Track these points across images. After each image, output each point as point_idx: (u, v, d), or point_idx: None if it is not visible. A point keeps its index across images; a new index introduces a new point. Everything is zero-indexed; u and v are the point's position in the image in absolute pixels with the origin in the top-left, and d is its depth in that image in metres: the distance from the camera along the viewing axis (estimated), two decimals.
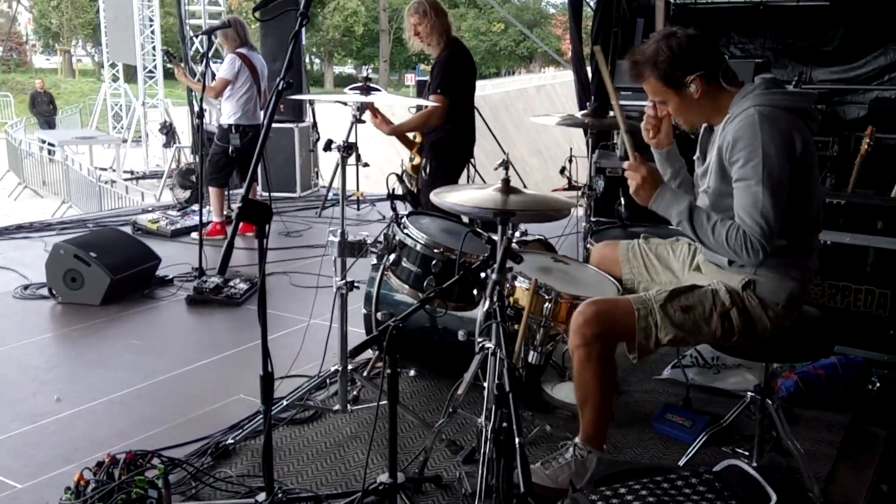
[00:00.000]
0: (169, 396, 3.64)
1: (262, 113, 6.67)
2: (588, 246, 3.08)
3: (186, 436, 2.96)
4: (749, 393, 2.55)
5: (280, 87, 2.03)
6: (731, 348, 2.41)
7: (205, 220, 7.02)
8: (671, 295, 2.37)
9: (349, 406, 2.84)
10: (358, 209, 7.97)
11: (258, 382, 3.07)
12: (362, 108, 2.82)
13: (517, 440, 1.70)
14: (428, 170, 4.67)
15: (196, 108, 6.19)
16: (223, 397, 3.43)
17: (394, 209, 2.77)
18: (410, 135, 4.74)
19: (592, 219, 3.17)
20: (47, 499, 2.63)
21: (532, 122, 14.21)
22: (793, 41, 8.03)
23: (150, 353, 4.21)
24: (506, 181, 2.15)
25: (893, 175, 4.23)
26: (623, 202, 3.25)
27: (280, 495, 2.23)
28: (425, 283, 2.60)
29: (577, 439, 2.47)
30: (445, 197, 2.25)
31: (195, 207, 7.66)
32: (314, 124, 8.99)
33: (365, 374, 3.17)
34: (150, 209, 7.95)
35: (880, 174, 4.63)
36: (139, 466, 2.19)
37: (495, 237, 2.21)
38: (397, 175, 4.29)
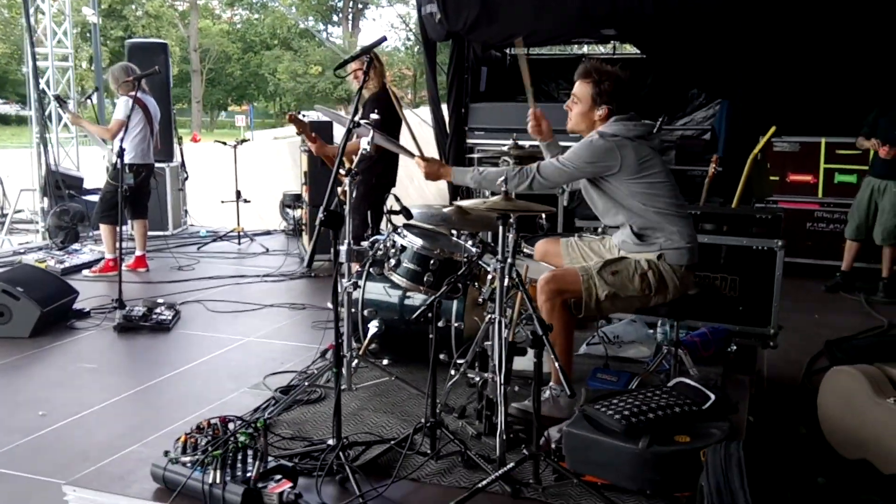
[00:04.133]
0: (160, 402, 4.03)
1: (153, 152, 7.01)
2: (525, 250, 3.90)
3: None
4: (664, 347, 3.49)
5: (350, 127, 2.70)
6: (653, 309, 3.35)
7: (97, 257, 7.24)
8: (604, 264, 3.33)
9: (353, 385, 3.46)
10: (238, 243, 8.36)
11: (249, 381, 3.66)
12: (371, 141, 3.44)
13: (556, 363, 2.47)
14: (354, 194, 5.33)
15: (116, 147, 6.49)
16: (224, 394, 3.91)
17: (391, 222, 3.44)
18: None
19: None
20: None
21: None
22: None
23: (108, 373, 4.53)
24: (506, 192, 2.93)
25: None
26: (543, 217, 4.09)
27: (345, 441, 2.82)
28: (424, 279, 3.30)
29: (550, 383, 3.30)
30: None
31: (77, 246, 7.79)
32: (182, 163, 9.27)
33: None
34: (21, 251, 7.92)
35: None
36: (227, 427, 2.72)
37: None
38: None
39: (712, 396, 2.72)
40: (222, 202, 8.77)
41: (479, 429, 3.15)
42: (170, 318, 5.41)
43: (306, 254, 7.18)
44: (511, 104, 9.32)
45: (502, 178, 3.14)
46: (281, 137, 20.29)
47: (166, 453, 2.71)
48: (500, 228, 2.88)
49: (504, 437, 2.81)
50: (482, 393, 3.16)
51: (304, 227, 7.33)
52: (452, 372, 3.25)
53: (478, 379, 3.17)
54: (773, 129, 4.53)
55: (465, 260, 3.17)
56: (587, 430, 2.61)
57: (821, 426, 3.64)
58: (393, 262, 3.34)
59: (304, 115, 4.93)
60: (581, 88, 3.40)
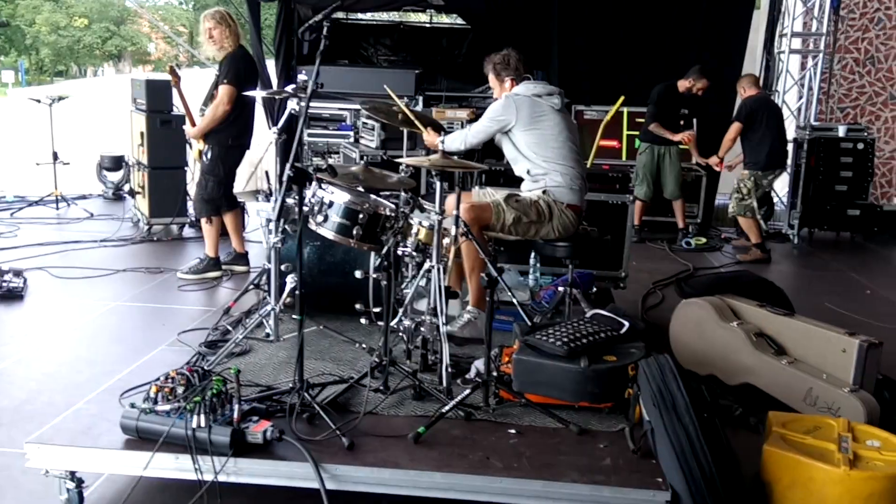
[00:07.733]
0: (52, 367, 3.95)
1: None
2: (426, 206, 4.23)
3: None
4: (560, 288, 3.99)
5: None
6: (550, 250, 3.94)
7: None
8: (508, 195, 3.99)
9: (281, 337, 3.61)
10: (57, 208, 7.87)
11: (136, 343, 3.80)
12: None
13: (515, 300, 2.84)
14: (210, 155, 5.32)
15: None
16: (144, 353, 3.94)
17: (318, 180, 3.55)
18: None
19: None
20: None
21: None
22: (428, 55, 9.87)
23: None
24: (442, 152, 3.22)
25: None
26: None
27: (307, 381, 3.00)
28: (353, 232, 3.48)
29: (469, 306, 3.77)
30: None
31: None
32: None
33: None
34: None
35: None
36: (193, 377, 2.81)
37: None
38: None
39: (626, 324, 3.23)
40: (38, 164, 8.16)
41: (411, 367, 3.44)
42: (20, 285, 5.13)
43: (142, 216, 6.96)
44: (339, 68, 9.45)
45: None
46: (56, 97, 18.79)
47: (133, 405, 2.75)
48: (438, 185, 3.18)
49: (449, 370, 3.14)
50: (413, 336, 3.45)
51: (140, 190, 7.06)
52: (364, 318, 3.53)
53: (408, 323, 3.45)
54: (621, 98, 5.11)
55: (398, 214, 3.41)
56: (533, 356, 3.02)
57: (672, 349, 4.31)
58: (320, 217, 3.50)
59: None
60: (490, 79, 4.25)
